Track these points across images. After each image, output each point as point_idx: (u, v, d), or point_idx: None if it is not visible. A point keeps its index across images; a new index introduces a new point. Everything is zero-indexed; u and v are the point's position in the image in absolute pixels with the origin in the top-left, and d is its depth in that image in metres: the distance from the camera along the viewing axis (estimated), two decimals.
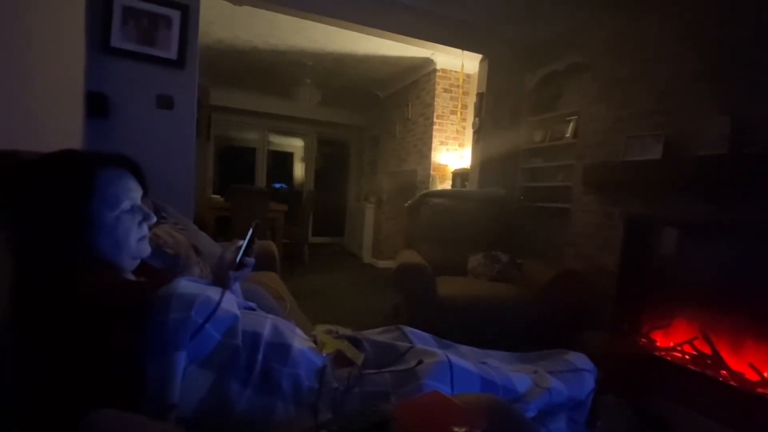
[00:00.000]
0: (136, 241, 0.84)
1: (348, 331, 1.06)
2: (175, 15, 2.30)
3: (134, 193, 0.85)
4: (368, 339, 0.99)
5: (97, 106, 2.11)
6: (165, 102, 2.33)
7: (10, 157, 0.81)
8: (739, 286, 1.79)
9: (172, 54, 2.31)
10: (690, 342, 1.93)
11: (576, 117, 2.97)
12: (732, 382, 1.71)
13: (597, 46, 2.59)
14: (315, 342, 0.94)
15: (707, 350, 1.85)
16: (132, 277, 0.87)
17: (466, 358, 0.95)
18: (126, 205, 0.82)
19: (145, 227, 0.87)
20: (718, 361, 1.81)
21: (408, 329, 1.07)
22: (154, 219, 0.89)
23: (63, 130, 1.63)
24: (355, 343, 0.96)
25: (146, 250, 0.88)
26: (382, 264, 5.31)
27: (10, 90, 1.11)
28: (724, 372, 1.77)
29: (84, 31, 1.89)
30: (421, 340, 1.04)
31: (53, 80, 1.49)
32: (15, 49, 1.13)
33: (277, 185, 7.37)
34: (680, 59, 2.05)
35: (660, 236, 2.18)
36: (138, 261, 0.88)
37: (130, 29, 2.21)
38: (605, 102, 2.48)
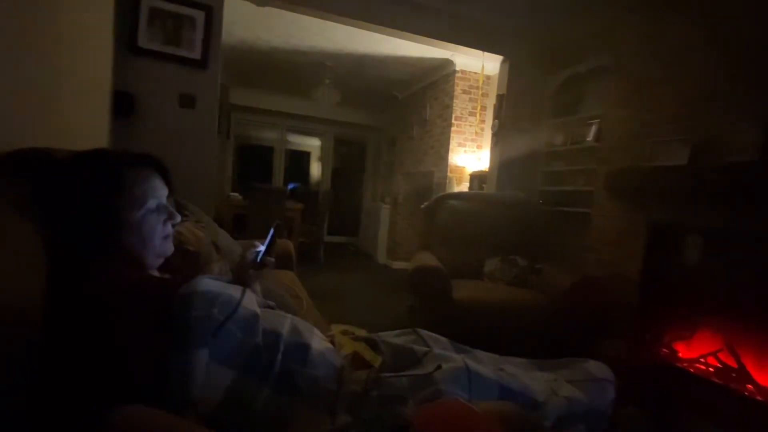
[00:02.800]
0: (161, 239, 0.86)
1: (363, 332, 1.06)
2: (200, 16, 2.35)
3: (160, 192, 0.87)
4: (385, 341, 0.98)
5: (123, 105, 2.17)
6: (187, 101, 2.37)
7: (44, 155, 0.84)
8: (766, 296, 1.73)
9: (196, 54, 2.36)
10: (714, 354, 1.87)
11: (598, 120, 2.91)
12: (758, 397, 1.65)
13: (622, 48, 2.53)
14: (332, 342, 0.94)
15: (732, 363, 1.79)
16: (156, 274, 0.89)
17: (483, 364, 0.94)
18: (152, 204, 0.84)
19: (169, 226, 0.88)
20: (743, 375, 1.75)
21: (425, 332, 1.06)
22: (179, 218, 0.91)
23: (91, 128, 1.68)
24: (372, 345, 0.96)
25: (170, 248, 0.89)
26: (396, 265, 5.30)
27: (42, 90, 1.15)
28: (750, 386, 1.71)
29: (112, 31, 1.94)
30: (438, 344, 1.03)
31: (83, 80, 1.54)
32: (46, 50, 1.17)
33: (291, 185, 7.42)
34: (710, 62, 1.99)
35: (685, 244, 2.11)
36: (162, 259, 0.89)
37: (156, 30, 2.27)
38: (630, 106, 2.42)
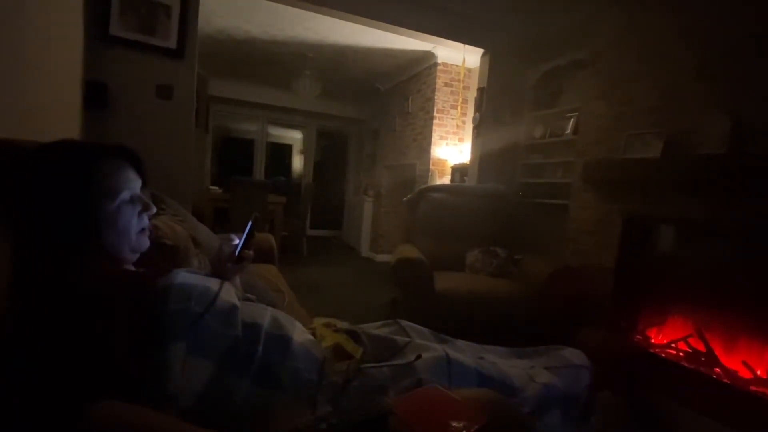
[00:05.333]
0: (137, 232, 0.84)
1: (346, 325, 1.06)
2: (175, 4, 2.28)
3: (134, 183, 0.84)
4: (367, 333, 0.99)
5: (95, 95, 2.10)
6: (164, 92, 2.31)
7: (8, 147, 0.80)
8: (733, 284, 1.80)
9: (172, 43, 2.29)
10: (685, 339, 1.94)
11: (577, 113, 2.97)
12: (725, 380, 1.72)
13: (599, 42, 2.57)
14: (314, 335, 0.94)
15: (701, 348, 1.87)
16: (132, 268, 0.87)
17: (463, 353, 0.96)
18: (126, 195, 0.82)
19: (145, 218, 0.86)
20: (711, 359, 1.82)
21: (406, 323, 1.07)
22: (154, 209, 0.89)
23: (61, 119, 1.62)
24: (354, 336, 0.96)
25: (146, 242, 0.88)
26: (380, 258, 5.32)
27: (8, 79, 1.10)
28: (718, 369, 1.78)
29: (83, 19, 1.87)
30: (419, 334, 1.04)
31: (52, 69, 1.48)
32: (13, 38, 1.12)
33: (274, 177, 7.32)
34: (682, 57, 2.04)
35: (657, 234, 2.18)
36: (138, 254, 0.87)
37: (129, 18, 2.19)
38: (606, 99, 2.47)
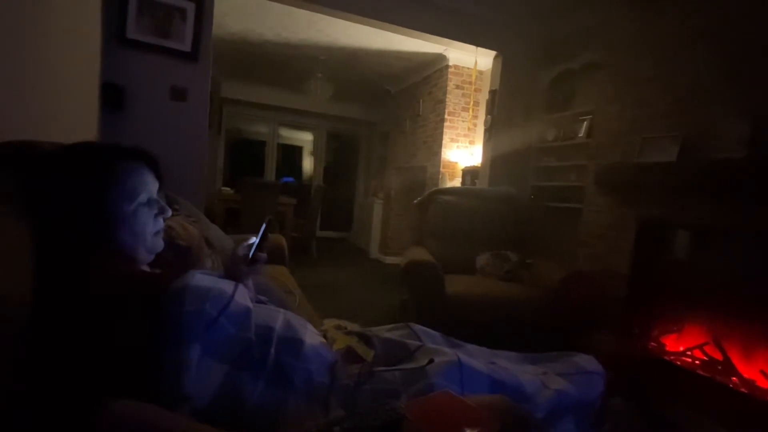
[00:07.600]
0: (152, 234, 0.85)
1: (356, 327, 1.06)
2: (190, 7, 2.31)
3: (151, 186, 0.86)
4: (378, 336, 0.99)
5: (112, 97, 2.14)
6: (178, 94, 2.34)
7: (29, 148, 0.82)
8: (752, 292, 1.76)
9: (186, 46, 2.33)
10: (701, 347, 1.90)
11: (590, 116, 2.93)
12: (742, 389, 1.69)
13: (613, 44, 2.54)
14: (325, 337, 0.94)
15: (718, 356, 1.83)
16: (147, 269, 0.88)
17: (475, 358, 0.95)
18: (143, 198, 0.83)
19: (160, 221, 0.88)
20: (728, 368, 1.79)
21: (417, 327, 1.07)
22: (170, 212, 0.90)
23: (79, 121, 1.65)
24: (365, 339, 0.96)
25: (160, 244, 0.89)
26: (389, 260, 5.31)
27: (27, 82, 1.13)
28: (735, 378, 1.75)
29: (100, 22, 1.91)
30: (430, 338, 1.04)
31: (70, 72, 1.51)
32: (32, 41, 1.15)
33: (285, 179, 7.38)
34: (699, 59, 2.01)
35: (673, 239, 2.15)
36: (153, 255, 0.89)
37: (145, 21, 2.23)
38: (620, 102, 2.44)
